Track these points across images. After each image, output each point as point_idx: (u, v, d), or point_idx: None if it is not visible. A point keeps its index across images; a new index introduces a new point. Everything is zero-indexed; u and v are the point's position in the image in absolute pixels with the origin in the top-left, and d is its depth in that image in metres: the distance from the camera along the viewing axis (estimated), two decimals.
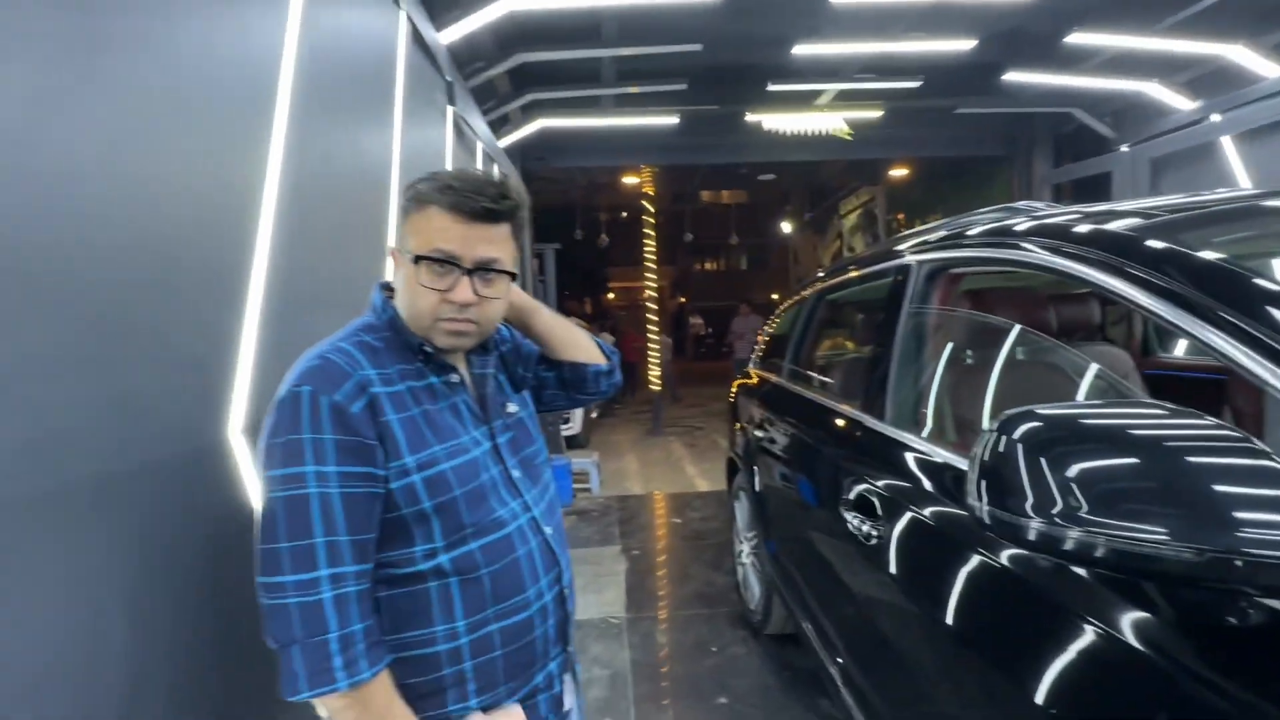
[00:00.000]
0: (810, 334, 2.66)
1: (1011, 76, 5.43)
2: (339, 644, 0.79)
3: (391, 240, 1.93)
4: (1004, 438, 0.79)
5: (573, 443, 7.19)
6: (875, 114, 6.24)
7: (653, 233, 8.37)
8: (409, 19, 2.26)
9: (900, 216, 10.60)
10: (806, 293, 2.79)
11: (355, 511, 0.82)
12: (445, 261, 0.88)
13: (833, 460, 1.82)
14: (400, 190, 2.04)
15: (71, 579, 0.76)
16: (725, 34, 4.76)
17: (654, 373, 8.59)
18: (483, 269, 0.89)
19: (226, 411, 1.08)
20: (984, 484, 0.80)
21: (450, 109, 2.87)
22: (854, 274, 2.22)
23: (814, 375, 2.51)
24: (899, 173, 9.40)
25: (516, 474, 0.97)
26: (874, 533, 1.41)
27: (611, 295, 25.80)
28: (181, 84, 1.01)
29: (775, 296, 23.02)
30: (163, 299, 0.96)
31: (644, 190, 8.32)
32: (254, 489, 1.10)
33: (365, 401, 0.84)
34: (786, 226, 16.87)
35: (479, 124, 3.44)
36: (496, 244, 0.90)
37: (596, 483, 5.53)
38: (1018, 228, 1.35)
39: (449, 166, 2.80)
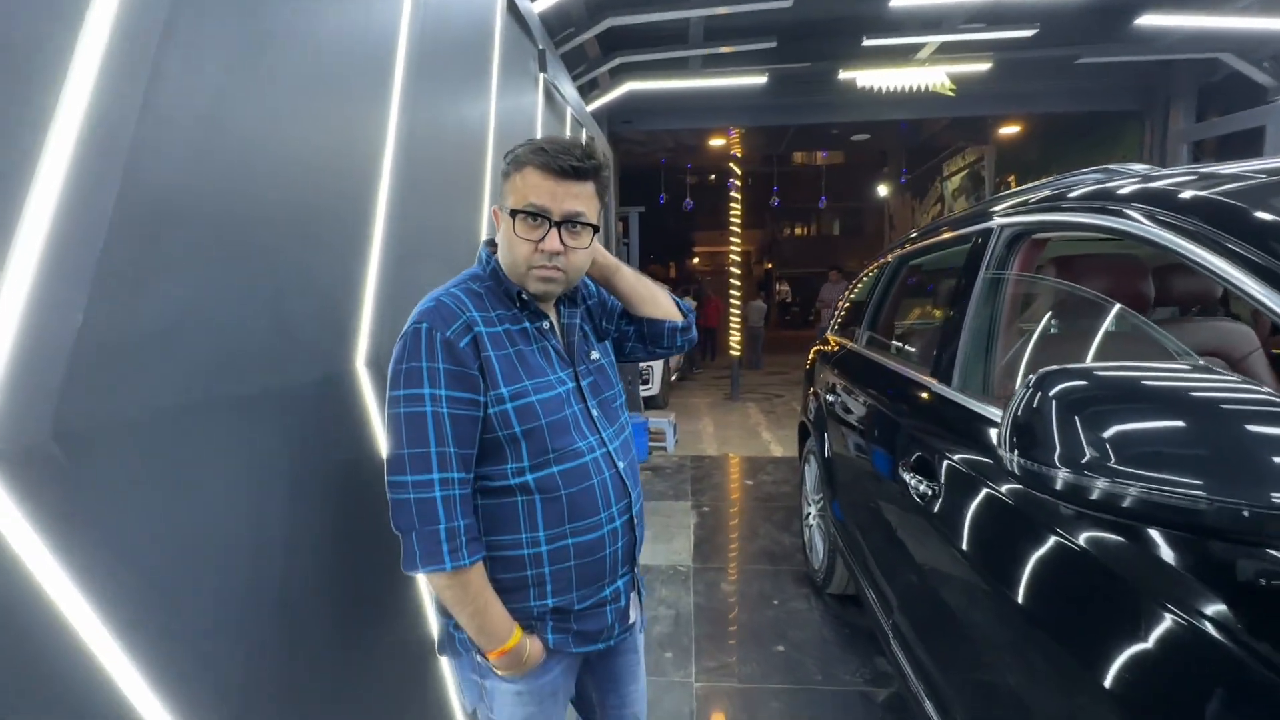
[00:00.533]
0: (888, 300, 2.63)
1: (1147, 20, 4.84)
2: (446, 534, 0.97)
3: (488, 200, 2.10)
4: (1039, 394, 0.83)
5: (651, 403, 7.40)
6: (982, 67, 5.77)
7: (739, 196, 8.24)
8: None
9: (1012, 179, 9.79)
10: (888, 258, 2.75)
11: (460, 429, 0.99)
12: (537, 214, 1.01)
13: (897, 424, 1.85)
14: (496, 154, 2.23)
15: (244, 471, 0.99)
16: None
17: (734, 338, 8.56)
18: (569, 221, 1.02)
19: (355, 344, 1.29)
20: (1015, 436, 0.84)
21: (541, 76, 3.00)
22: (935, 238, 2.18)
23: (888, 341, 2.50)
24: (1010, 130, 8.64)
25: (596, 413, 1.11)
26: (933, 494, 1.45)
27: (696, 260, 25.61)
28: (322, 70, 1.20)
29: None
30: (310, 247, 1.17)
31: (731, 152, 8.18)
32: (374, 411, 1.32)
33: (470, 339, 1.00)
34: (882, 189, 15.97)
35: (568, 89, 3.55)
36: (582, 200, 1.03)
37: (672, 442, 5.69)
38: (1098, 190, 1.31)
39: (539, 132, 2.95)
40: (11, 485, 0.65)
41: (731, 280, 8.54)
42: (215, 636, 0.90)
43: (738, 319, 8.73)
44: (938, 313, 2.41)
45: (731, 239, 8.35)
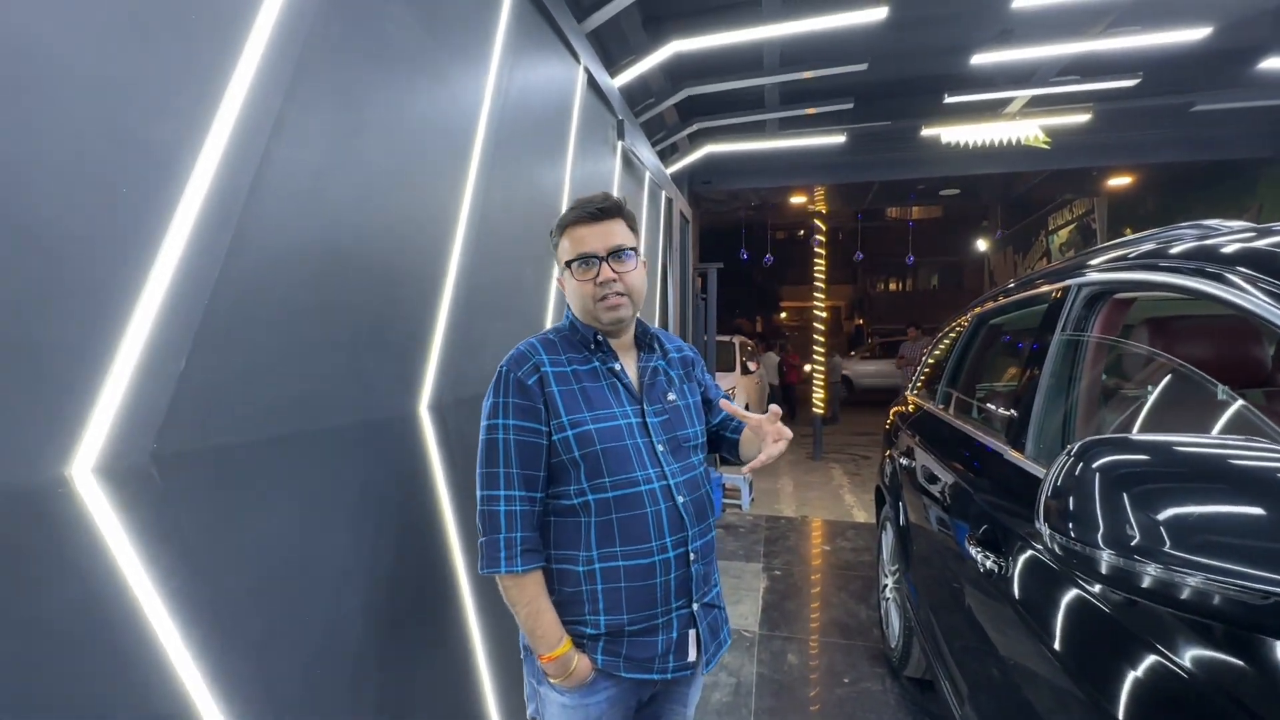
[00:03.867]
0: (967, 360, 2.51)
1: (1272, 64, 4.43)
2: (504, 544, 1.10)
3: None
4: (1080, 465, 0.77)
5: (728, 459, 7.25)
6: (1081, 118, 5.48)
7: (823, 251, 8.18)
8: (586, 70, 2.61)
9: (1128, 231, 9.07)
10: (968, 316, 2.64)
11: (523, 453, 1.13)
12: (586, 258, 1.15)
13: (968, 493, 1.75)
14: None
15: (314, 499, 1.10)
16: (893, 50, 4.58)
17: (818, 395, 8.32)
18: (613, 253, 1.16)
19: (419, 391, 1.42)
20: (1052, 510, 0.79)
21: (620, 144, 3.20)
22: (1015, 296, 2.08)
23: (964, 403, 2.37)
24: (1120, 181, 8.07)
25: (661, 448, 1.18)
26: (1000, 572, 1.35)
27: (784, 315, 25.32)
28: (408, 150, 1.38)
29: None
30: (386, 303, 1.32)
31: (814, 208, 8.18)
32: (433, 450, 1.45)
33: (537, 377, 1.15)
34: (982, 244, 15.24)
35: (646, 154, 3.74)
36: (617, 234, 1.18)
37: (747, 500, 5.55)
38: (1194, 250, 1.22)
39: (616, 194, 3.12)
40: (114, 498, 0.77)
41: (815, 335, 8.37)
42: (282, 648, 1.00)
43: (821, 375, 8.50)
44: (1014, 374, 2.26)
45: (815, 294, 8.24)
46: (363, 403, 1.24)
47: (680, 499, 1.17)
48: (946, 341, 2.98)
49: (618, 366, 1.20)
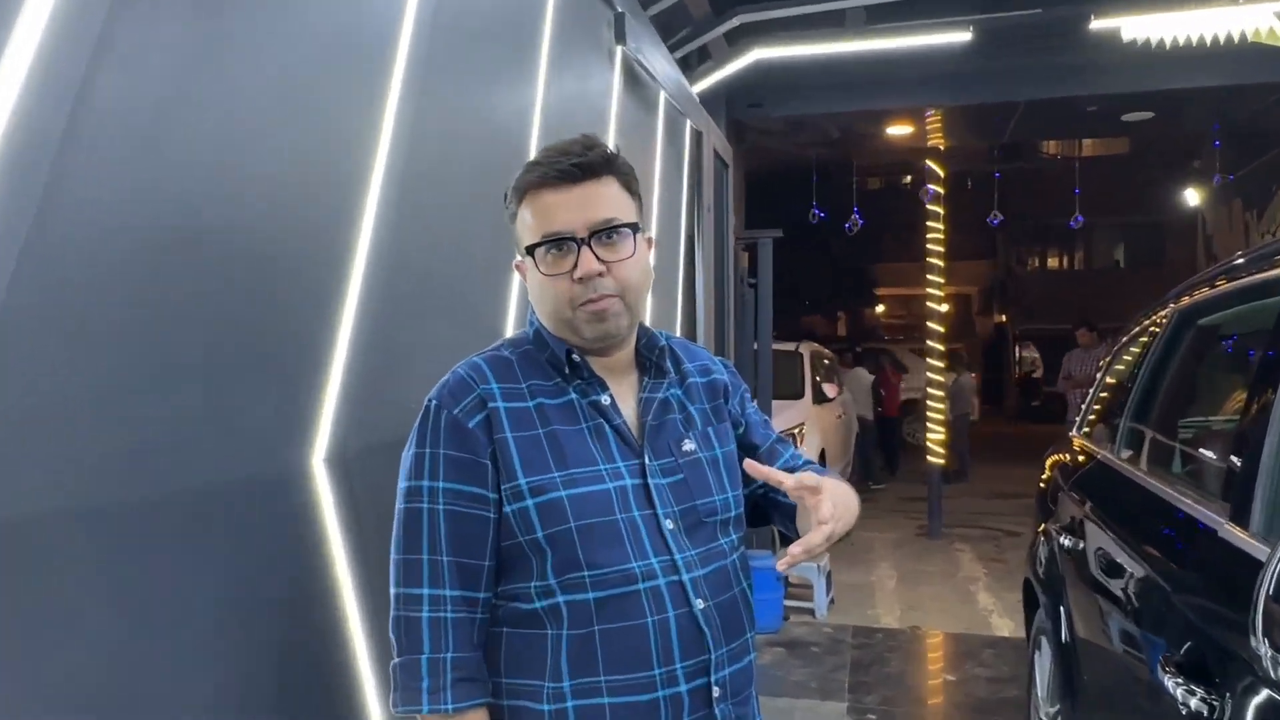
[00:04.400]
0: (1162, 383, 2.52)
1: None
2: (427, 667, 1.12)
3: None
4: None
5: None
6: None
7: (941, 210, 8.19)
8: None
9: None
10: (1164, 313, 2.65)
11: (460, 532, 1.15)
12: (558, 240, 1.16)
13: (1163, 592, 1.75)
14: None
15: (161, 602, 1.13)
16: None
17: (934, 435, 8.31)
18: (599, 232, 1.16)
19: (312, 435, 1.46)
20: (1270, 623, 0.81)
21: (619, 49, 3.26)
22: (1244, 280, 2.09)
23: (1158, 448, 2.37)
24: None
25: (669, 525, 1.20)
26: (1212, 716, 1.36)
27: (880, 308, 25.33)
28: (296, 64, 1.43)
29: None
30: (258, 307, 1.35)
31: (927, 144, 8.21)
32: (332, 522, 1.48)
33: (483, 417, 1.17)
34: (1192, 197, 15.19)
35: (661, 65, 3.80)
36: (605, 201, 1.18)
37: (823, 602, 5.55)
38: None
39: (612, 127, 3.18)
40: None
41: (930, 343, 8.38)
42: None
43: (938, 406, 8.49)
44: (1238, 405, 2.26)
45: (930, 276, 8.25)
46: (224, 455, 1.26)
47: (698, 603, 1.18)
48: (1131, 353, 2.99)
49: (605, 400, 1.23)
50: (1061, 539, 2.67)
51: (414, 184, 1.76)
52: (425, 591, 1.14)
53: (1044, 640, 2.94)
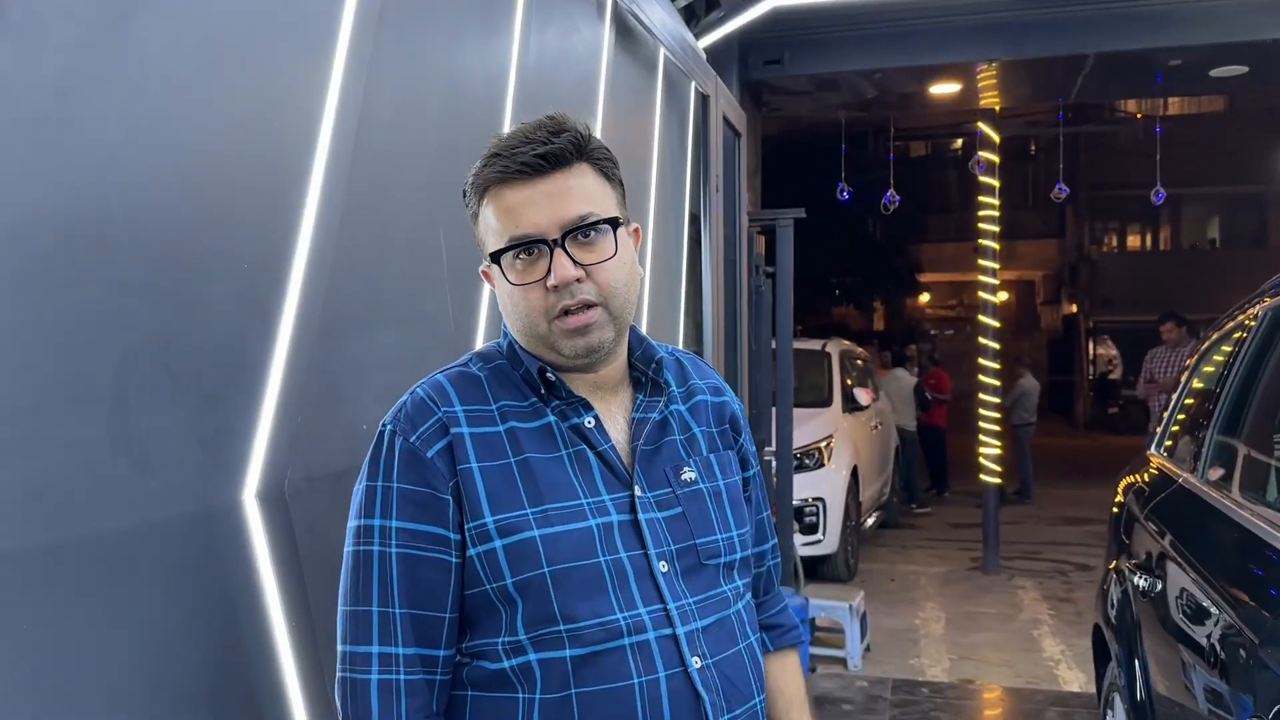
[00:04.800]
0: (1257, 391, 2.53)
1: None
2: None
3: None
4: None
5: (818, 570, 7.29)
6: None
7: (995, 183, 8.22)
8: None
9: None
10: (1258, 308, 2.67)
11: (416, 579, 1.15)
12: (525, 243, 1.18)
13: (1254, 645, 1.77)
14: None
15: (54, 674, 1.13)
16: None
17: (991, 450, 8.33)
18: (573, 232, 1.18)
19: (242, 466, 1.46)
20: None
21: None
22: None
23: (1253, 470, 2.39)
24: None
25: (663, 567, 1.21)
26: None
27: (924, 297, 25.38)
28: (222, 25, 1.44)
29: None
30: (178, 316, 1.35)
31: (980, 103, 8.23)
32: (265, 567, 1.49)
33: (444, 445, 1.18)
34: None
35: (660, 16, 3.79)
36: (578, 194, 1.19)
37: (857, 649, 5.58)
38: None
39: (601, 95, 3.19)
40: None
41: (983, 341, 8.40)
42: None
43: (994, 413, 8.51)
44: None
45: (982, 261, 8.27)
46: (138, 492, 1.26)
47: (694, 662, 1.19)
48: (1222, 353, 3.00)
49: (589, 422, 1.25)
50: (1137, 578, 2.69)
51: (364, 168, 1.77)
52: (375, 650, 1.14)
53: (1117, 698, 2.96)
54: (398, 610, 1.15)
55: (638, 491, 1.22)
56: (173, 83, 1.36)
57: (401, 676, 1.14)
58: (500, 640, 1.17)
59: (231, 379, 1.46)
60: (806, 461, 7.14)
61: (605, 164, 1.25)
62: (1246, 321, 2.73)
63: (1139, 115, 18.71)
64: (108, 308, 1.24)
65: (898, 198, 10.27)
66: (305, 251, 1.60)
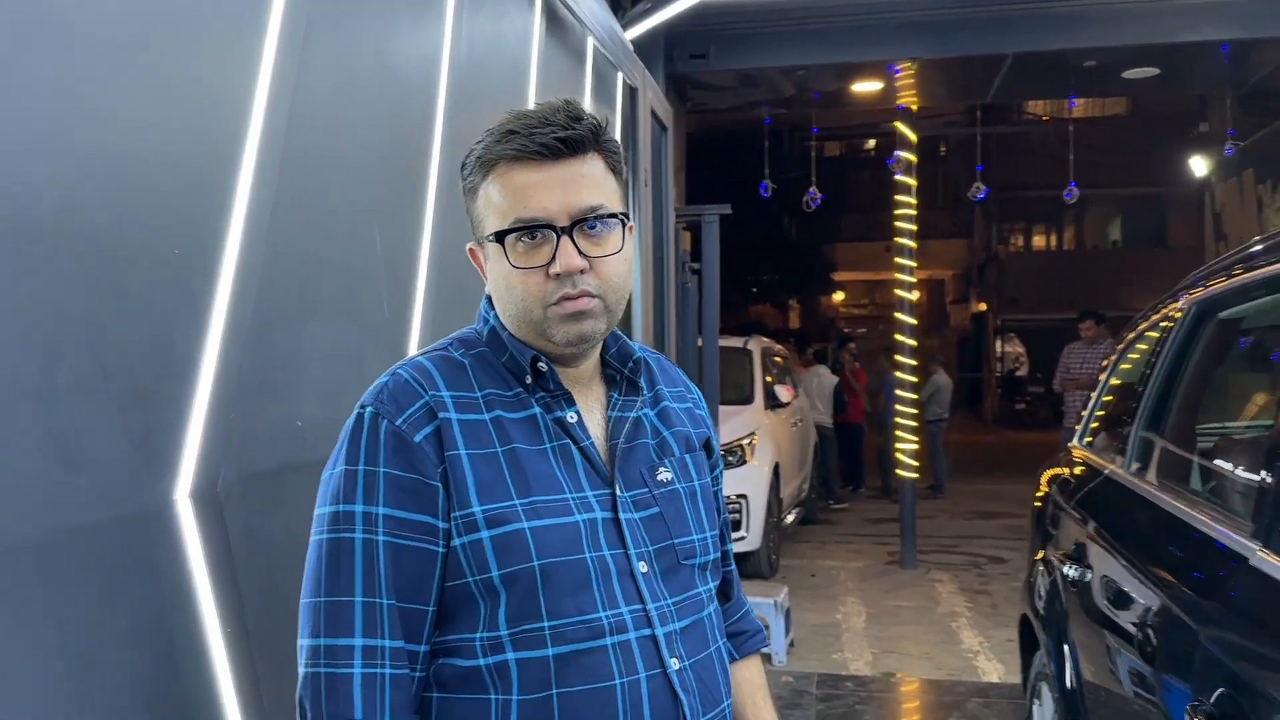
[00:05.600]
0: (1180, 385, 2.61)
1: None
2: None
3: (433, 206, 2.25)
4: None
5: (741, 566, 7.31)
6: None
7: (912, 183, 8.36)
8: None
9: None
10: (1178, 305, 2.74)
11: (404, 570, 1.12)
12: (533, 227, 1.16)
13: (1187, 629, 1.81)
14: (449, 129, 2.39)
15: None
16: None
17: (907, 445, 8.48)
18: (582, 221, 1.17)
19: (174, 465, 1.41)
20: None
21: None
22: (1270, 268, 2.17)
23: (1174, 461, 2.45)
24: None
25: (642, 568, 1.20)
26: None
27: (839, 295, 25.80)
28: (149, 5, 1.37)
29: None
30: (104, 308, 1.29)
31: (896, 104, 8.36)
32: (199, 570, 1.43)
33: (432, 430, 1.15)
34: (1199, 166, 15.82)
35: (589, 4, 3.78)
36: (590, 184, 1.19)
37: (782, 644, 5.61)
38: None
39: (533, 82, 3.16)
40: None
41: (899, 337, 8.55)
42: None
43: (910, 409, 8.67)
44: (1264, 409, 2.35)
45: (899, 259, 8.41)
46: (65, 494, 1.21)
47: (673, 663, 1.19)
48: (1139, 350, 3.08)
49: (572, 417, 1.23)
50: (1067, 569, 2.74)
51: (297, 154, 1.72)
52: (358, 642, 1.10)
53: (1044, 688, 3.01)
54: (384, 601, 1.11)
55: (618, 490, 1.22)
56: (101, 66, 1.31)
57: (388, 671, 1.10)
58: (478, 636, 1.14)
59: (162, 372, 1.40)
60: (729, 459, 7.16)
61: (614, 157, 1.24)
62: (1171, 314, 2.80)
63: (1045, 117, 19.29)
64: (33, 302, 1.18)
65: (820, 195, 10.41)
66: (238, 239, 1.55)
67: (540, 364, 1.21)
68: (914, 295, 8.56)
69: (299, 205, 1.73)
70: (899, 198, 8.40)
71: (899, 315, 8.51)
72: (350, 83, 1.97)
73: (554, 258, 1.16)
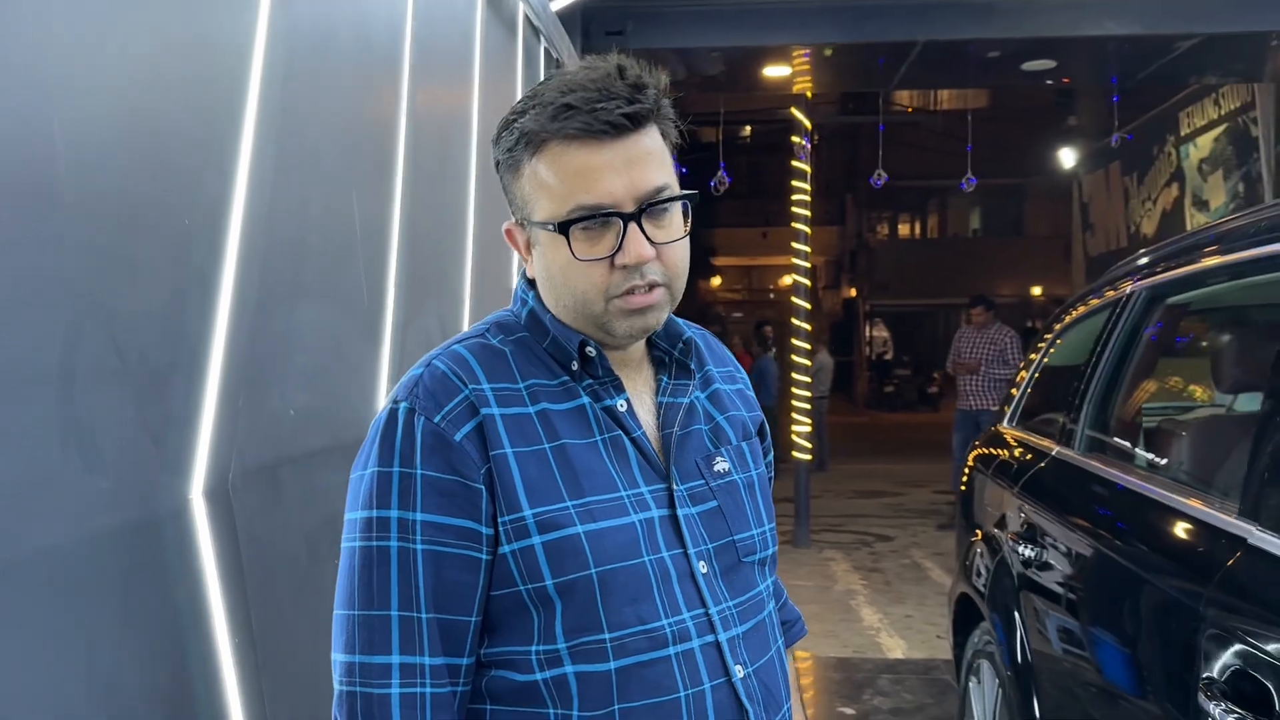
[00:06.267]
0: (1133, 369, 2.68)
1: None
2: None
3: (401, 174, 2.13)
4: None
5: None
6: None
7: (807, 169, 8.48)
8: None
9: None
10: (1122, 288, 2.82)
11: (445, 580, 1.04)
12: (600, 213, 1.06)
13: (1179, 606, 1.84)
14: (413, 98, 2.26)
15: None
16: None
17: (798, 428, 8.61)
18: (650, 205, 1.08)
19: (187, 462, 1.29)
20: None
21: None
22: (1230, 256, 2.24)
23: (1142, 447, 2.51)
24: None
25: (702, 568, 1.12)
26: None
27: (716, 281, 26.11)
28: None
29: (1037, 292, 22.45)
30: (112, 289, 1.17)
31: (797, 91, 8.47)
32: (212, 572, 1.33)
33: (474, 427, 1.05)
34: (1067, 158, 16.56)
35: None
36: (654, 162, 1.09)
37: None
38: None
39: (477, 51, 3.04)
40: None
41: (794, 320, 8.67)
42: None
43: (804, 392, 8.81)
44: (1251, 403, 2.42)
45: (795, 244, 8.53)
46: (77, 498, 1.09)
47: (738, 670, 1.13)
48: (1071, 336, 3.16)
49: (622, 405, 1.14)
50: (1020, 548, 2.78)
51: (292, 120, 1.60)
52: (395, 660, 1.03)
53: (983, 665, 3.06)
54: (424, 615, 1.03)
55: (674, 484, 1.14)
56: (101, 26, 1.18)
57: (428, 690, 1.03)
58: (534, 649, 1.06)
59: (175, 355, 1.27)
60: None
61: (669, 124, 1.13)
62: (1117, 299, 2.88)
63: (909, 109, 19.86)
64: (32, 283, 1.05)
65: (727, 179, 10.44)
66: (240, 212, 1.41)
67: (589, 349, 1.12)
68: (807, 281, 8.69)
69: (293, 177, 1.61)
70: (795, 183, 8.51)
71: (795, 299, 8.63)
72: (329, 45, 1.84)
73: (620, 247, 1.07)
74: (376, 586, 1.03)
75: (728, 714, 1.11)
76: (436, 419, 1.05)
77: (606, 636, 1.05)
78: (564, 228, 1.06)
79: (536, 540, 1.05)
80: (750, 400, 1.34)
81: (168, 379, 1.26)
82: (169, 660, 1.25)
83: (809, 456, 8.57)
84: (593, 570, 1.05)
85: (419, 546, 1.03)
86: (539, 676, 1.06)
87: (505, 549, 1.05)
